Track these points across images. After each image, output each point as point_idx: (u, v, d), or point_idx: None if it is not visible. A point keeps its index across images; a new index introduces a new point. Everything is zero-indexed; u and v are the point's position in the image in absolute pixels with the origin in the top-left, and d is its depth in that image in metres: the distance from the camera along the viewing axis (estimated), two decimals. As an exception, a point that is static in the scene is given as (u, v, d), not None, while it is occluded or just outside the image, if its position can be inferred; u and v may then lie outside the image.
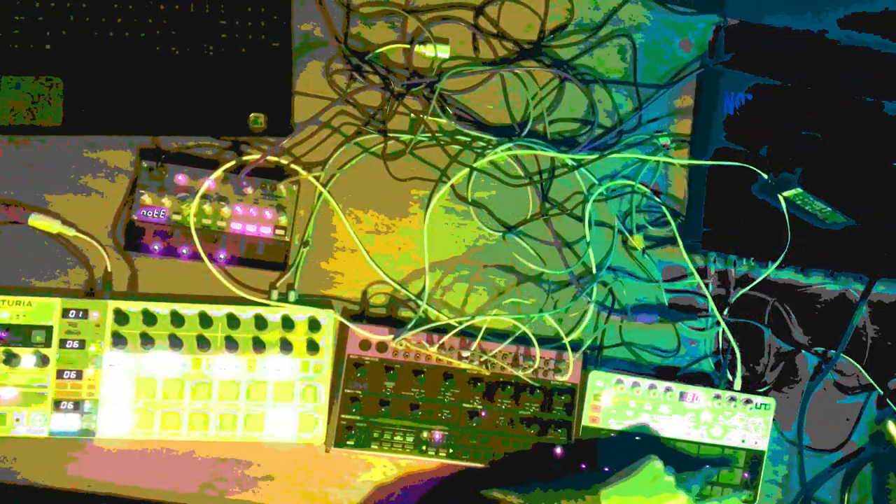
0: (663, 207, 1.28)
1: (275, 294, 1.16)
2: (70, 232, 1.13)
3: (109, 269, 1.14)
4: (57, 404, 1.10)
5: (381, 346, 1.18)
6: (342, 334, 1.18)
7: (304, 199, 1.20)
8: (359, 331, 1.17)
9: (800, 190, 1.21)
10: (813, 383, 1.32)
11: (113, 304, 1.12)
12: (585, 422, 1.22)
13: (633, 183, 1.28)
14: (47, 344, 1.10)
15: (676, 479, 1.13)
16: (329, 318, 1.17)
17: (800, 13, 1.31)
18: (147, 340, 1.12)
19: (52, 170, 1.15)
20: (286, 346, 1.15)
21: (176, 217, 1.15)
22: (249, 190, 1.16)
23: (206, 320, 1.14)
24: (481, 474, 1.19)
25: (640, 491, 1.10)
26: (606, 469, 1.19)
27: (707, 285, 1.28)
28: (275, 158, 1.18)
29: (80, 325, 1.11)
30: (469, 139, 1.24)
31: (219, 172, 1.14)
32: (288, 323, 1.15)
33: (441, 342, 1.18)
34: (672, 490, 1.11)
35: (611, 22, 1.30)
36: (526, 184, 1.26)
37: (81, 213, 1.15)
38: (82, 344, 1.11)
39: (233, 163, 1.15)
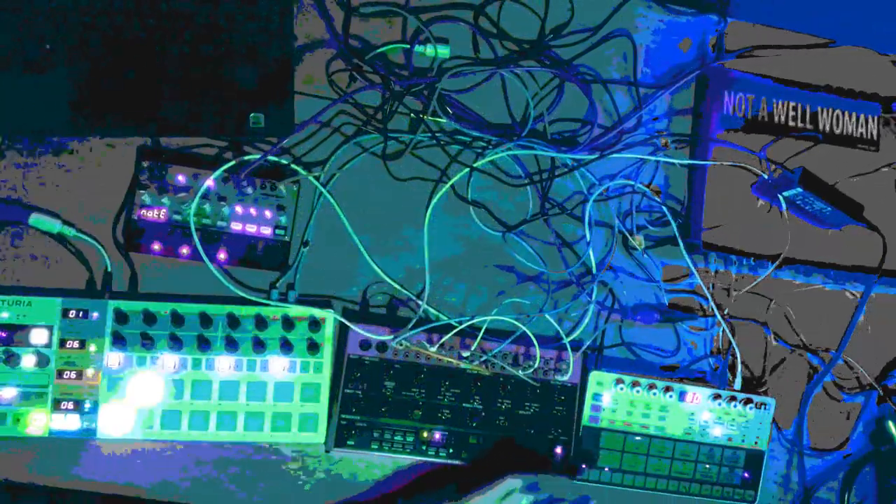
0: (663, 207, 1.28)
1: (275, 294, 1.16)
2: (70, 232, 1.13)
3: (109, 269, 1.14)
4: (57, 404, 1.10)
5: (381, 346, 1.18)
6: (342, 334, 1.18)
7: (304, 199, 1.20)
8: (359, 331, 1.17)
9: (800, 190, 1.21)
10: (813, 383, 1.32)
11: (113, 304, 1.12)
12: (585, 422, 1.22)
13: (633, 183, 1.28)
14: (47, 344, 1.10)
15: (533, 498, 1.13)
16: (329, 318, 1.17)
17: (800, 13, 1.31)
18: (147, 340, 1.12)
19: (52, 170, 1.15)
20: (286, 346, 1.15)
21: (176, 217, 1.15)
22: (249, 190, 1.16)
23: (206, 320, 1.14)
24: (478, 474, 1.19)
25: None
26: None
27: (707, 285, 1.28)
28: (275, 158, 1.18)
29: (80, 325, 1.11)
30: (469, 139, 1.24)
31: (219, 172, 1.14)
32: (288, 323, 1.15)
33: (441, 342, 1.18)
34: None
35: (611, 22, 1.30)
36: (526, 184, 1.26)
37: (81, 213, 1.15)
38: (82, 344, 1.11)
39: (233, 163, 1.15)
